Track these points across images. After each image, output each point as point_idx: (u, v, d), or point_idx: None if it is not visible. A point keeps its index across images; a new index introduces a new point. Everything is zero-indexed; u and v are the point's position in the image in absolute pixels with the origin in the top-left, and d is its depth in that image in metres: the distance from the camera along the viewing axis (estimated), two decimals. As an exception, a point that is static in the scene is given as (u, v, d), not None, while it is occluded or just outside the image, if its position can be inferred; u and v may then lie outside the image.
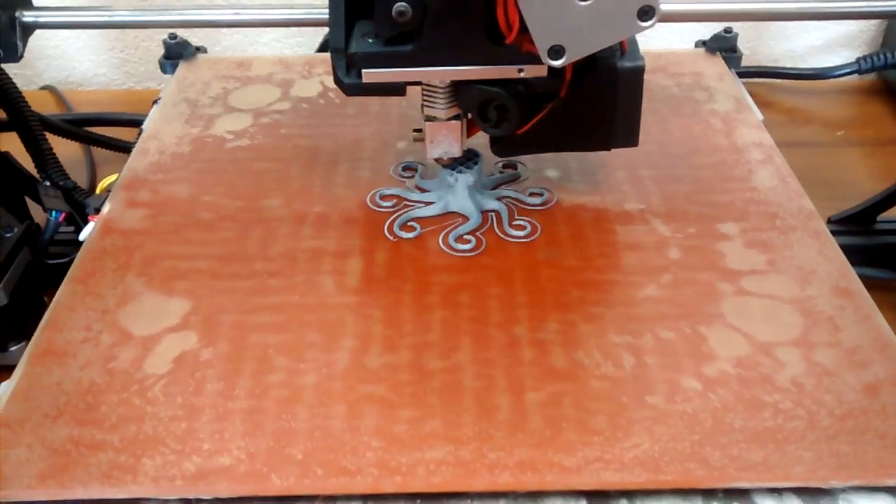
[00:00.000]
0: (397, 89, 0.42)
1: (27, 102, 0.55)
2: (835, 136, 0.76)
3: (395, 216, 0.47)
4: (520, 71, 0.41)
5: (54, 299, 0.41)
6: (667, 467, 0.33)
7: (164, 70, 0.63)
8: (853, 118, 0.79)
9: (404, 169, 0.51)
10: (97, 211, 0.48)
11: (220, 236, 0.45)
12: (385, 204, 0.48)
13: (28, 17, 0.46)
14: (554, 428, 0.34)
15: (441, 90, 0.43)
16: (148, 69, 0.86)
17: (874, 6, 0.51)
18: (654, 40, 0.81)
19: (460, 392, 0.36)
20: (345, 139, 0.54)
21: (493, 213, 0.47)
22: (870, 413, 0.35)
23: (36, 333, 0.39)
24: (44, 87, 0.84)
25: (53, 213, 0.54)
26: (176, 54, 0.63)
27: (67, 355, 0.38)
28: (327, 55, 0.65)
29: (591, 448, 0.34)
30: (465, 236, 0.45)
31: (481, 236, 0.45)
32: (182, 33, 0.64)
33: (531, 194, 0.48)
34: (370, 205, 0.48)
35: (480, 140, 0.46)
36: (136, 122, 0.65)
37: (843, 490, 0.33)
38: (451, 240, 0.45)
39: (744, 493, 0.33)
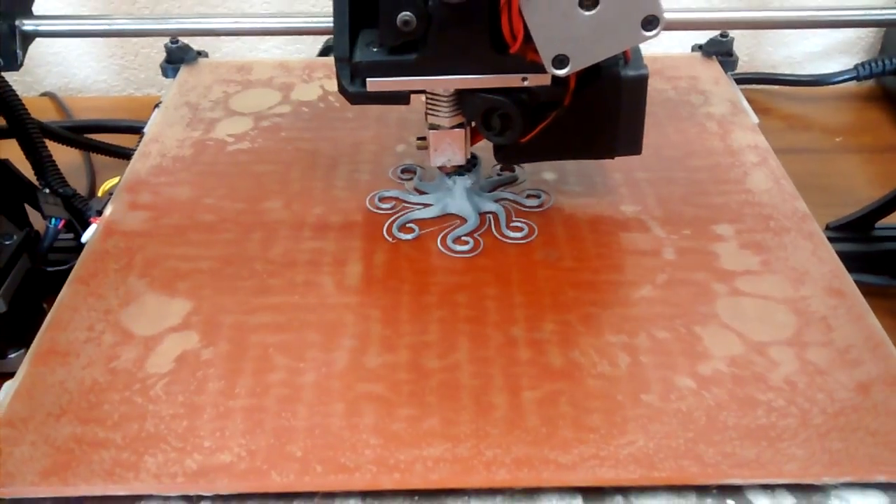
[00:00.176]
0: (401, 98, 0.42)
1: (27, 109, 0.56)
2: (833, 142, 0.76)
3: (394, 218, 0.47)
4: (523, 80, 0.41)
5: (57, 300, 0.42)
6: (661, 464, 0.33)
7: (165, 74, 0.64)
8: (851, 125, 0.79)
9: (403, 171, 0.51)
10: (99, 213, 0.48)
11: (221, 238, 0.46)
12: (384, 206, 0.48)
13: (28, 25, 0.47)
14: (550, 426, 0.35)
15: (445, 99, 0.43)
16: (148, 76, 0.87)
17: (871, 15, 0.51)
18: (650, 44, 0.81)
19: (458, 390, 0.37)
20: (344, 142, 0.54)
21: (490, 215, 0.47)
22: (861, 411, 0.35)
23: (39, 333, 0.40)
24: (44, 94, 0.85)
25: (53, 220, 0.54)
26: (177, 58, 0.64)
27: (70, 355, 0.38)
28: (327, 59, 0.66)
29: (586, 445, 0.34)
30: (463, 238, 0.46)
31: (479, 238, 0.46)
32: (182, 39, 0.64)
33: (528, 196, 0.49)
34: (369, 207, 0.48)
35: (479, 143, 0.46)
36: (135, 129, 0.66)
37: (835, 486, 0.33)
38: (449, 241, 0.45)
39: (737, 489, 0.33)
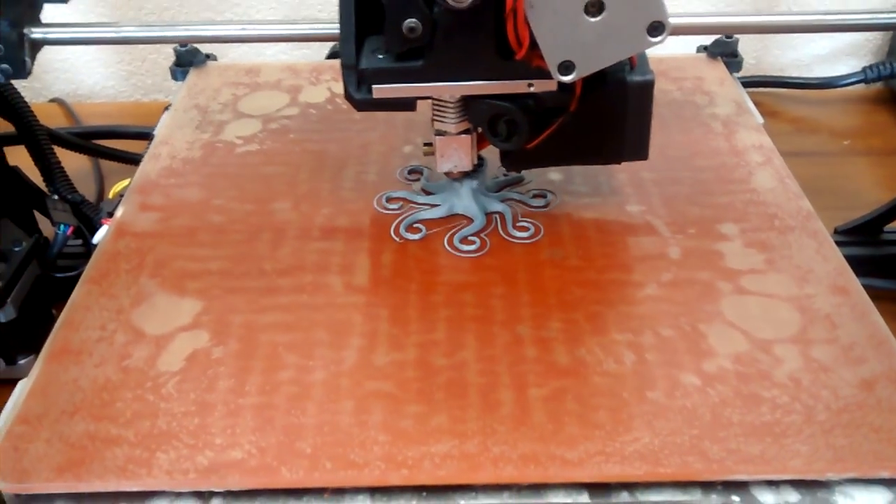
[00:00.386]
0: (407, 104, 0.43)
1: (35, 116, 0.57)
2: (841, 145, 0.76)
3: (401, 218, 0.48)
4: (529, 86, 0.41)
5: (70, 300, 0.42)
6: (666, 460, 0.34)
7: (174, 77, 0.64)
8: (860, 128, 0.79)
9: (410, 172, 0.52)
10: (110, 215, 0.49)
11: (231, 239, 0.46)
12: (391, 206, 0.49)
13: (36, 33, 0.47)
14: (556, 422, 0.35)
15: (451, 105, 0.44)
16: (155, 81, 0.87)
17: (879, 18, 0.51)
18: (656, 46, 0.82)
19: (465, 388, 0.37)
20: (352, 144, 0.55)
21: (497, 215, 0.48)
22: (865, 407, 0.36)
23: (52, 333, 0.40)
24: (52, 100, 0.86)
25: (62, 226, 0.55)
26: (186, 62, 0.64)
27: (83, 353, 0.39)
28: (334, 62, 0.67)
29: (592, 442, 0.34)
30: (469, 238, 0.46)
31: (485, 237, 0.46)
32: (191, 43, 0.65)
33: (534, 196, 0.49)
34: (377, 207, 0.49)
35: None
36: (143, 135, 0.66)
37: (840, 482, 0.34)
38: (456, 241, 0.46)
39: (742, 485, 0.34)
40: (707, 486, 0.33)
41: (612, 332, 0.40)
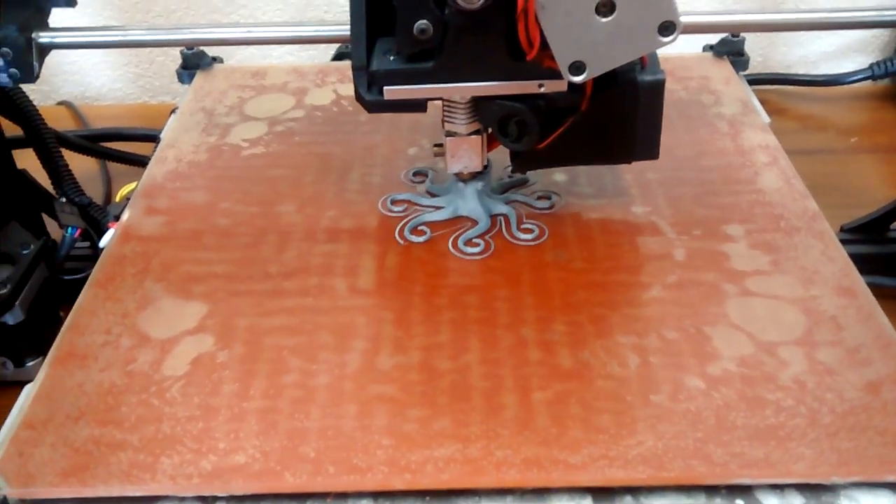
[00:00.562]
0: (418, 105, 0.43)
1: (43, 119, 0.57)
2: (848, 142, 0.76)
3: (405, 221, 0.48)
4: (540, 86, 0.41)
5: (76, 303, 0.42)
6: (670, 464, 0.34)
7: (181, 80, 0.65)
8: (867, 125, 0.79)
9: (415, 174, 0.52)
10: (117, 218, 0.49)
11: (236, 242, 0.47)
12: (396, 209, 0.49)
13: (44, 38, 0.47)
14: (560, 426, 0.35)
15: (461, 106, 0.44)
16: (163, 83, 0.88)
17: (886, 15, 0.51)
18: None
19: (469, 391, 0.37)
20: (357, 146, 0.55)
21: (501, 217, 0.48)
22: (871, 410, 0.35)
23: (58, 337, 0.41)
24: (60, 103, 0.86)
25: (69, 229, 0.55)
26: (193, 64, 0.64)
27: (88, 358, 0.39)
28: (340, 64, 0.67)
29: (596, 446, 0.34)
30: (474, 240, 0.46)
31: (490, 240, 0.46)
32: (197, 46, 0.65)
33: (539, 198, 0.49)
34: (382, 210, 0.49)
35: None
36: (150, 137, 0.67)
37: (845, 486, 0.33)
38: (460, 243, 0.46)
39: (746, 489, 0.33)
40: (711, 490, 0.33)
41: (617, 335, 0.40)
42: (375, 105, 0.42)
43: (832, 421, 0.35)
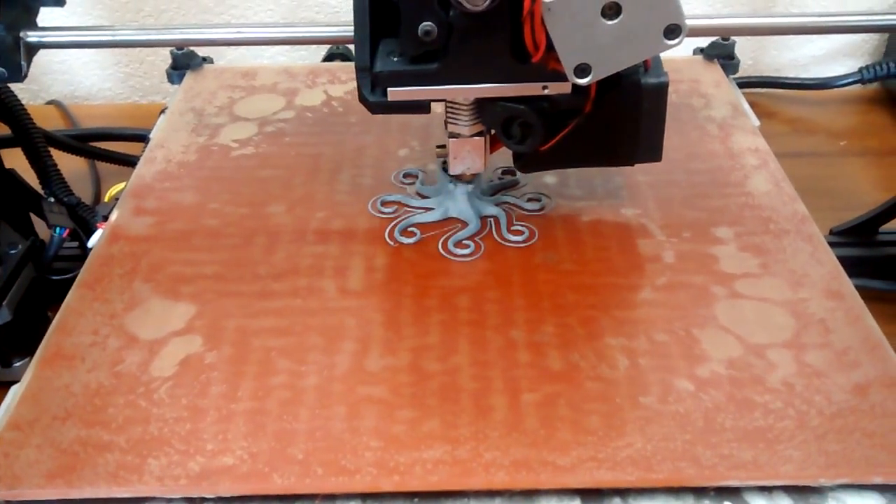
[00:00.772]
0: (422, 107, 0.43)
1: (31, 119, 0.57)
2: (837, 146, 0.76)
3: (395, 222, 0.47)
4: (544, 88, 0.41)
5: (63, 304, 0.42)
6: (658, 466, 0.34)
7: (171, 80, 0.64)
8: (856, 128, 0.79)
9: (405, 176, 0.52)
10: (105, 218, 0.49)
11: (225, 242, 0.46)
12: (386, 210, 0.49)
13: (32, 37, 0.47)
14: (549, 428, 0.35)
15: (465, 107, 0.44)
16: (153, 83, 0.87)
17: (874, 20, 0.51)
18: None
19: (458, 393, 0.37)
20: (347, 147, 0.55)
21: (491, 219, 0.48)
22: (859, 413, 0.36)
23: (45, 337, 0.40)
24: (49, 102, 0.86)
25: (57, 229, 0.55)
26: (183, 65, 0.64)
27: (76, 359, 0.39)
28: (331, 65, 0.67)
29: (584, 447, 0.34)
30: (464, 241, 0.46)
31: (480, 241, 0.46)
32: (187, 46, 0.65)
33: (529, 200, 0.49)
34: (371, 211, 0.49)
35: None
36: (140, 137, 0.66)
37: (832, 488, 0.33)
38: (450, 245, 0.46)
39: (734, 491, 0.33)
40: (699, 491, 0.33)
41: (606, 337, 0.40)
42: (379, 106, 0.42)
43: (820, 423, 0.35)
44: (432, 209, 0.48)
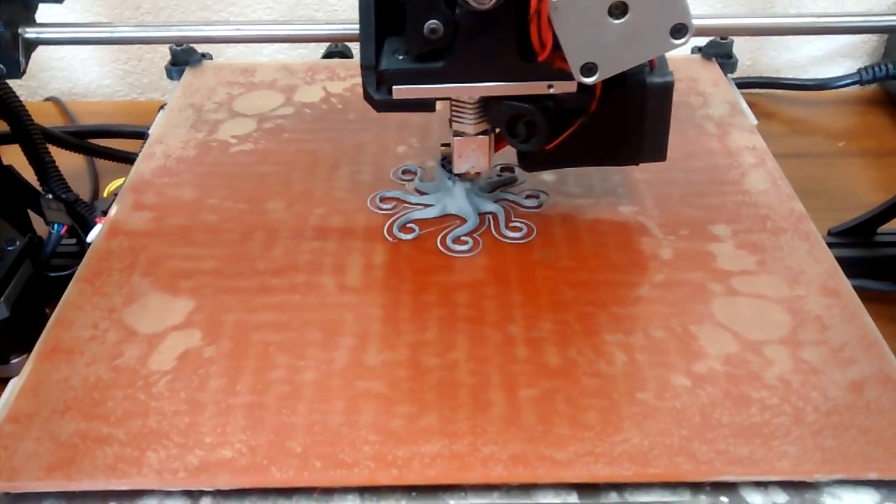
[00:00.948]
0: (427, 105, 0.43)
1: (30, 115, 0.56)
2: (836, 146, 0.77)
3: (394, 218, 0.48)
4: (549, 87, 0.41)
5: (62, 298, 0.42)
6: (655, 461, 0.34)
7: (170, 76, 0.64)
8: (854, 129, 0.79)
9: (404, 172, 0.52)
10: (104, 213, 0.49)
11: (224, 238, 0.46)
12: (385, 206, 0.49)
13: (30, 33, 0.47)
14: (546, 423, 0.35)
15: (470, 106, 0.44)
16: (151, 80, 0.87)
17: (873, 21, 0.52)
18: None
19: (456, 388, 0.37)
20: (346, 143, 0.55)
21: (490, 216, 0.48)
22: (854, 409, 0.36)
23: (44, 331, 0.40)
24: (48, 99, 0.86)
25: (55, 225, 0.55)
26: (182, 61, 0.64)
27: (75, 352, 0.39)
28: (329, 61, 0.67)
29: (582, 442, 0.35)
30: (462, 238, 0.46)
31: (478, 238, 0.46)
32: (185, 46, 0.65)
33: (527, 197, 0.49)
34: (370, 207, 0.49)
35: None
36: (138, 134, 0.66)
37: (828, 483, 0.34)
38: (448, 241, 0.46)
39: (730, 486, 0.34)
40: (696, 486, 0.34)
41: (603, 333, 0.40)
42: (384, 104, 0.42)
43: (816, 419, 0.35)
44: (431, 205, 0.48)
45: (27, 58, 0.48)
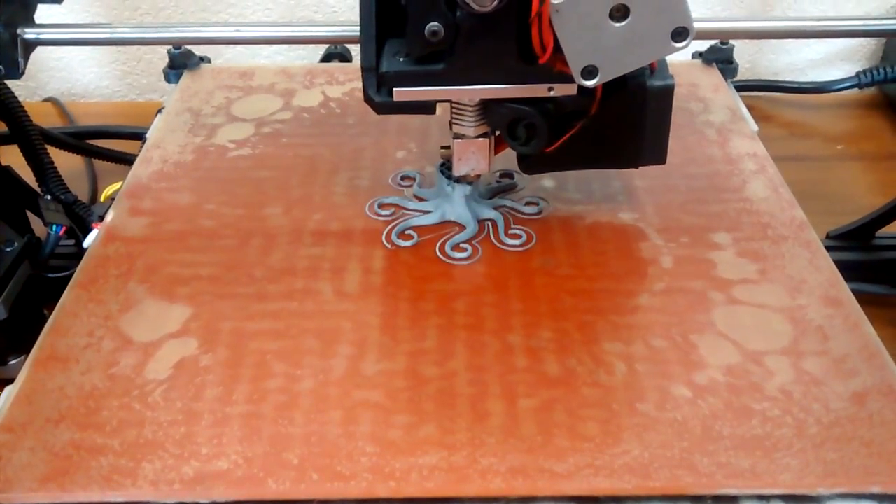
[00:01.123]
0: (427, 107, 0.42)
1: (28, 115, 0.56)
2: (834, 150, 0.76)
3: (393, 225, 0.47)
4: (550, 90, 0.41)
5: (58, 305, 0.42)
6: (656, 474, 0.33)
7: (168, 80, 0.64)
8: (853, 132, 0.79)
9: (403, 178, 0.51)
10: (101, 218, 0.49)
11: (221, 244, 0.46)
12: (383, 213, 0.48)
13: (30, 34, 0.47)
14: (545, 434, 0.35)
15: (470, 108, 0.43)
16: (150, 81, 0.87)
17: (872, 25, 0.51)
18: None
19: (454, 398, 0.37)
20: (345, 149, 0.54)
21: (489, 222, 0.47)
22: (857, 421, 0.35)
23: (39, 339, 0.40)
24: (46, 99, 0.85)
25: (54, 226, 0.54)
26: (180, 64, 0.64)
27: (70, 360, 0.39)
28: (329, 65, 0.67)
29: (581, 454, 0.34)
30: (461, 245, 0.46)
31: (477, 245, 0.46)
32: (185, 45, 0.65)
33: (527, 203, 0.49)
34: (369, 213, 0.48)
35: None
36: (137, 135, 0.66)
37: (830, 497, 0.33)
38: (447, 248, 0.45)
39: (732, 499, 0.33)
40: (697, 500, 0.33)
41: (603, 342, 0.40)
42: (384, 106, 0.42)
43: (818, 431, 0.35)
44: (430, 212, 0.48)
45: (26, 58, 0.48)
